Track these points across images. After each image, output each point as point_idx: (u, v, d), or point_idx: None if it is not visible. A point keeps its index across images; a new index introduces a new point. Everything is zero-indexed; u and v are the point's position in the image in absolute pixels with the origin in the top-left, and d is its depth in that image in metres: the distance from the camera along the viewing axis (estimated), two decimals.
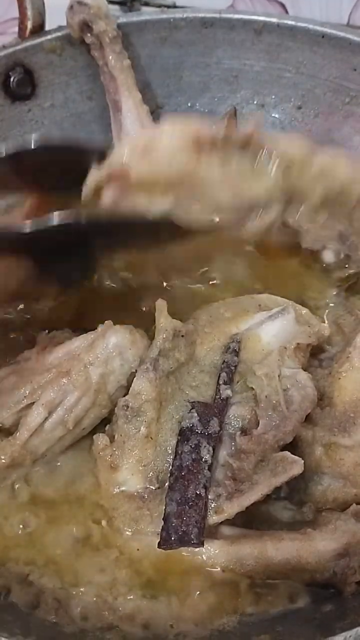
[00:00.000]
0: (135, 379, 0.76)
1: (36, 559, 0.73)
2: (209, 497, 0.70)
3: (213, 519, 0.70)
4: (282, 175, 0.73)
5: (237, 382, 0.78)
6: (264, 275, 1.01)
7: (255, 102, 1.19)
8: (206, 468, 0.71)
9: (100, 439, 0.75)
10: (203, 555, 0.70)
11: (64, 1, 1.03)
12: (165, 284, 0.99)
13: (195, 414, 0.74)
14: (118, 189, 0.73)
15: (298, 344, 0.80)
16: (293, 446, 0.75)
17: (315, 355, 0.86)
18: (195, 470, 0.71)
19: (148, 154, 0.71)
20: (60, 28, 1.09)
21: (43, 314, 0.95)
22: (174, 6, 1.45)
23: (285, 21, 1.10)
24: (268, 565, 0.69)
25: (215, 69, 1.17)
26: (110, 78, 1.06)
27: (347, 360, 0.79)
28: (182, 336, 0.79)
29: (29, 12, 1.08)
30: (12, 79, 1.08)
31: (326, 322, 0.89)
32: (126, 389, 0.77)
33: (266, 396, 0.75)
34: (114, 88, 1.05)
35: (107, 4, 1.05)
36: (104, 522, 0.75)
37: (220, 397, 0.75)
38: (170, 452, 0.73)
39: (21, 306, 0.95)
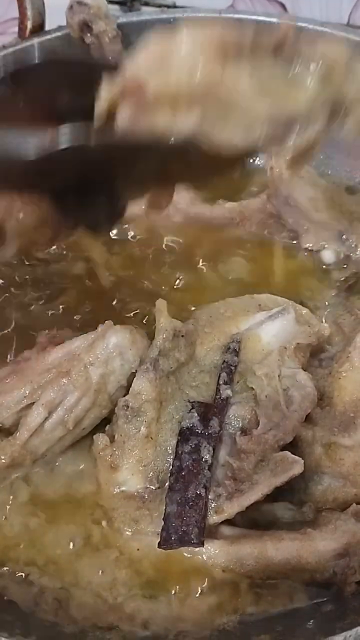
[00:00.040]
0: (135, 379, 0.76)
1: (36, 559, 0.73)
2: (209, 497, 0.70)
3: (213, 518, 0.70)
4: (323, 83, 0.63)
5: (237, 382, 0.78)
6: (264, 275, 1.01)
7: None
8: (206, 468, 0.71)
9: (100, 439, 0.75)
10: (203, 555, 0.70)
11: (64, 1, 1.03)
12: (163, 287, 0.99)
13: (196, 414, 0.74)
14: (135, 107, 0.63)
15: (298, 343, 0.80)
16: (293, 446, 0.75)
17: (315, 355, 0.86)
18: (195, 470, 0.71)
19: (166, 63, 0.62)
20: (60, 28, 1.09)
21: (44, 315, 0.95)
22: (174, 6, 1.46)
23: (285, 21, 1.10)
24: (268, 565, 0.69)
25: None
26: None
27: (347, 360, 0.79)
28: (182, 336, 0.79)
29: (29, 12, 1.08)
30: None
31: (326, 322, 0.89)
32: (126, 389, 0.77)
33: (266, 396, 0.75)
34: None
35: (107, 4, 1.05)
36: (104, 522, 0.75)
37: (220, 397, 0.75)
38: (170, 452, 0.73)
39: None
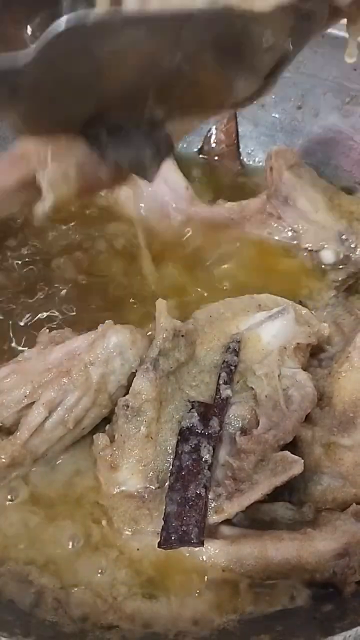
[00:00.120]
0: (135, 378, 0.76)
1: (36, 559, 0.73)
2: (209, 496, 0.70)
3: (213, 518, 0.70)
4: None
5: (237, 382, 0.78)
6: (264, 275, 1.01)
7: (255, 102, 1.19)
8: (206, 468, 0.71)
9: (101, 439, 0.75)
10: (203, 555, 0.71)
11: None
12: (163, 287, 0.99)
13: (196, 414, 0.74)
14: None
15: (298, 343, 0.81)
16: (293, 446, 0.75)
17: (315, 355, 0.86)
18: (195, 470, 0.71)
19: None
20: None
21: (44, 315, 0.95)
22: None
23: None
24: (268, 565, 0.69)
25: None
26: None
27: (347, 360, 0.79)
28: (182, 336, 0.79)
29: None
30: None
31: (325, 322, 0.89)
32: (126, 388, 0.77)
33: (266, 396, 0.75)
34: None
35: None
36: (103, 522, 0.75)
37: (220, 397, 0.75)
38: (170, 451, 0.73)
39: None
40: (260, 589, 0.71)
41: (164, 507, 0.70)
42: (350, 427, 0.75)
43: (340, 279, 1.02)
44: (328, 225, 1.03)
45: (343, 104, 1.13)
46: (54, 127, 0.61)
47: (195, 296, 0.97)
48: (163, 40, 0.54)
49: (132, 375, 0.77)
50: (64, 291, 0.99)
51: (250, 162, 1.26)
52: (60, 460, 0.79)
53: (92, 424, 0.79)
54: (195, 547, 0.69)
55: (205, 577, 0.71)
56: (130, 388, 0.76)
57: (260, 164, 1.22)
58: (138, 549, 0.73)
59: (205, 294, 0.97)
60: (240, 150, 1.26)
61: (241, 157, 1.26)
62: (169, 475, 0.72)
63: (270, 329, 0.81)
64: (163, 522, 0.69)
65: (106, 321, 0.79)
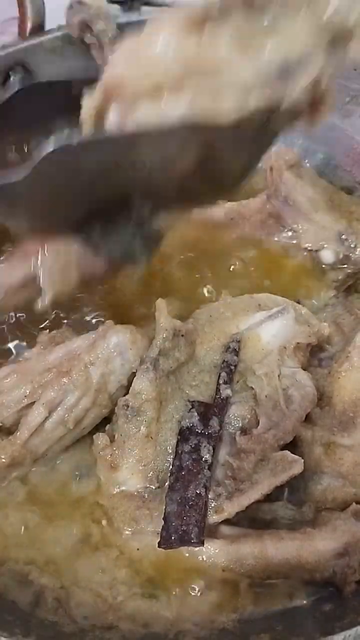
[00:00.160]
0: (135, 378, 0.76)
1: (36, 559, 0.73)
2: (209, 496, 0.70)
3: (213, 518, 0.70)
4: (309, 15, 0.57)
5: (237, 381, 0.78)
6: (264, 275, 1.01)
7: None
8: (206, 467, 0.71)
9: (101, 439, 0.75)
10: (203, 555, 0.71)
11: (64, 1, 1.03)
12: (163, 287, 0.99)
13: (195, 414, 0.74)
14: (120, 106, 0.61)
15: (298, 343, 0.81)
16: (293, 446, 0.75)
17: (314, 354, 0.86)
18: (195, 470, 0.71)
19: (140, 55, 0.60)
20: (60, 28, 1.09)
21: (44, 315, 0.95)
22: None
23: None
24: (268, 565, 0.69)
25: None
26: None
27: (347, 360, 0.79)
28: (182, 336, 0.79)
29: (29, 12, 1.08)
30: (12, 79, 1.08)
31: (325, 321, 0.89)
32: (126, 388, 0.77)
33: (266, 395, 0.75)
34: None
35: (106, 4, 1.05)
36: (104, 522, 0.75)
37: (220, 397, 0.76)
38: (170, 451, 0.73)
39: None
40: (260, 588, 0.71)
41: (164, 507, 0.70)
42: (350, 427, 0.76)
43: (339, 278, 1.01)
44: (328, 225, 1.03)
45: (343, 104, 1.13)
46: (50, 230, 0.69)
47: (195, 296, 0.97)
48: (144, 151, 0.62)
49: (132, 375, 0.77)
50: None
51: None
52: (60, 460, 0.79)
53: (92, 424, 0.79)
54: (195, 546, 0.69)
55: (205, 576, 0.71)
56: (130, 388, 0.76)
57: (260, 164, 1.21)
58: (138, 549, 0.73)
59: (206, 294, 0.97)
60: None
61: None
62: (169, 475, 0.72)
63: (270, 329, 0.81)
64: (163, 522, 0.69)
65: (106, 321, 0.80)
